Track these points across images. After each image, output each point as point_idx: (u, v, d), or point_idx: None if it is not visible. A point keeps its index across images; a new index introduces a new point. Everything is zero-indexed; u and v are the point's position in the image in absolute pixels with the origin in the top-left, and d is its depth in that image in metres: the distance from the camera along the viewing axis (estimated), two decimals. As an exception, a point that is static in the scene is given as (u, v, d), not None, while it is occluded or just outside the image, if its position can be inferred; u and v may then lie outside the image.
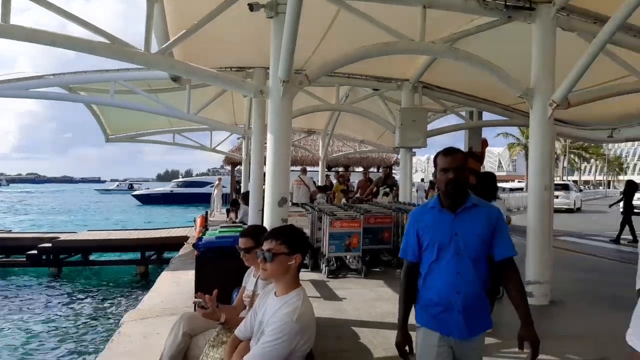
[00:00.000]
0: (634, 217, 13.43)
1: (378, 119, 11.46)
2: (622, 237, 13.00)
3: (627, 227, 13.16)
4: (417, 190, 20.22)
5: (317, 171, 19.63)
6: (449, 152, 2.46)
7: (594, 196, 49.66)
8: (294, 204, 11.33)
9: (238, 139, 20.28)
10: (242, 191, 14.67)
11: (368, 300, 6.27)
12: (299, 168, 16.02)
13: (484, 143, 14.52)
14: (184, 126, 16.15)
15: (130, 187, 78.76)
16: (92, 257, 14.89)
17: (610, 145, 78.73)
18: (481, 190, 5.34)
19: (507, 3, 5.93)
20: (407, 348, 2.54)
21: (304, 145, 20.69)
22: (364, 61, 8.89)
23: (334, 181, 16.23)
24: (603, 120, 9.83)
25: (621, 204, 13.87)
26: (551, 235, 6.22)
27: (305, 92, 10.60)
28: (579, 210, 27.67)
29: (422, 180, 27.01)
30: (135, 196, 53.99)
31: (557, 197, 25.17)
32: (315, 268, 8.19)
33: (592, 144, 65.26)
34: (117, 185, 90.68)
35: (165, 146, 18.98)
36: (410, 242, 2.56)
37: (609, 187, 64.49)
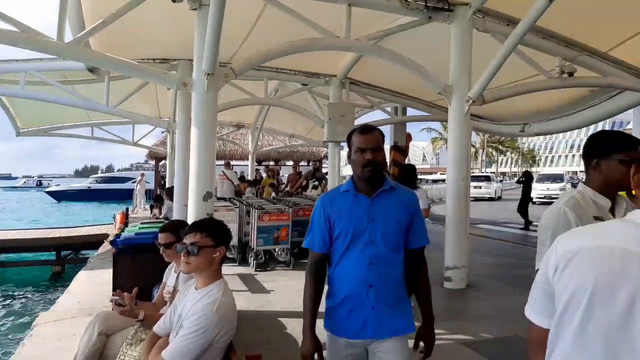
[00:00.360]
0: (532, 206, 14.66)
1: (307, 114, 11.54)
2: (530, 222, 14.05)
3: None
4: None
5: (247, 165, 19.45)
6: (366, 130, 2.20)
7: (510, 186, 53.24)
8: (219, 199, 11.18)
9: (162, 132, 19.59)
10: (167, 186, 14.21)
11: (296, 291, 6.32)
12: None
13: (408, 137, 15.08)
14: (104, 119, 15.36)
15: (39, 184, 73.36)
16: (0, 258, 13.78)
17: (524, 140, 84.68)
18: (402, 181, 5.58)
19: (427, 4, 6.19)
20: (316, 357, 2.20)
21: (232, 139, 20.38)
22: (293, 56, 8.94)
23: (264, 175, 16.18)
24: (516, 116, 10.56)
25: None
26: (468, 223, 6.60)
27: (233, 86, 10.45)
28: (499, 198, 29.59)
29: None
30: (49, 193, 50.48)
31: (480, 187, 27.74)
32: (244, 262, 8.14)
33: (508, 139, 69.95)
34: (24, 182, 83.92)
35: (85, 141, 18.14)
36: (319, 230, 2.23)
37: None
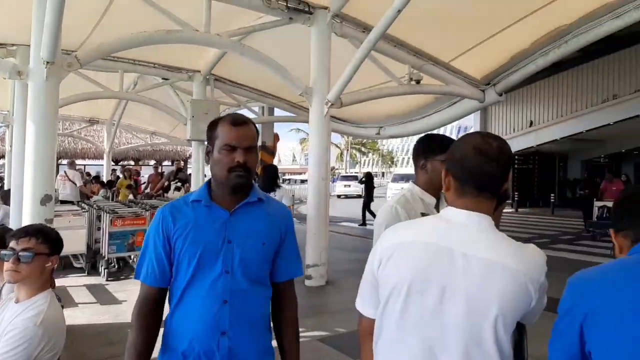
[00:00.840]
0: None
1: (168, 110, 10.96)
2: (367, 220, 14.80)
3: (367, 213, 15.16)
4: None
5: (103, 165, 17.90)
6: (238, 122, 1.64)
7: (378, 184, 57.02)
8: (62, 202, 10.11)
9: (0, 127, 17.12)
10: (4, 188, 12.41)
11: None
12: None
13: (276, 137, 15.21)
14: None
15: None
16: None
17: (384, 142, 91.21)
18: (263, 182, 5.58)
19: (288, 4, 6.25)
20: None
21: (85, 136, 18.58)
22: (154, 48, 8.42)
23: (121, 176, 15.00)
24: (372, 119, 11.25)
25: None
26: (327, 221, 6.82)
27: (82, 77, 9.52)
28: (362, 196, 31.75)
29: None
30: None
31: (349, 186, 30.75)
32: (94, 271, 7.42)
33: (370, 141, 74.63)
34: None
35: None
36: (155, 254, 1.65)
37: (383, 177, 74.54)
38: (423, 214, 1.98)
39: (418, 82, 7.64)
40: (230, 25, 7.13)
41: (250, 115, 12.78)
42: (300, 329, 4.60)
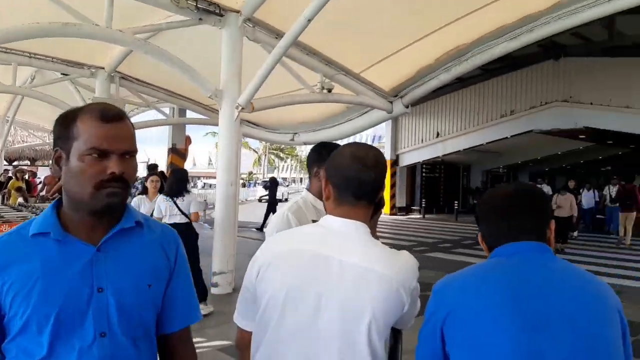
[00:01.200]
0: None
1: (67, 108, 10.19)
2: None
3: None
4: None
5: (-7, 165, 16.28)
6: (112, 116, 1.17)
7: (295, 190, 57.14)
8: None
9: None
10: None
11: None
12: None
13: (188, 140, 14.77)
14: None
15: None
16: None
17: (302, 148, 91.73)
18: (170, 185, 5.38)
19: (198, 5, 6.09)
20: None
21: (-28, 132, 16.78)
22: (53, 41, 7.82)
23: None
24: (287, 125, 11.29)
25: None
26: (236, 227, 6.71)
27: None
28: (286, 200, 31.79)
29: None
30: None
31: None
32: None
33: (288, 146, 74.82)
34: None
35: None
36: None
37: (301, 183, 74.89)
38: (315, 221, 2.00)
39: (330, 90, 7.79)
40: (139, 22, 6.83)
41: (160, 117, 12.30)
42: (201, 339, 4.44)
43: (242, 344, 1.41)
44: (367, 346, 1.21)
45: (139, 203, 5.74)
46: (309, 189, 2.15)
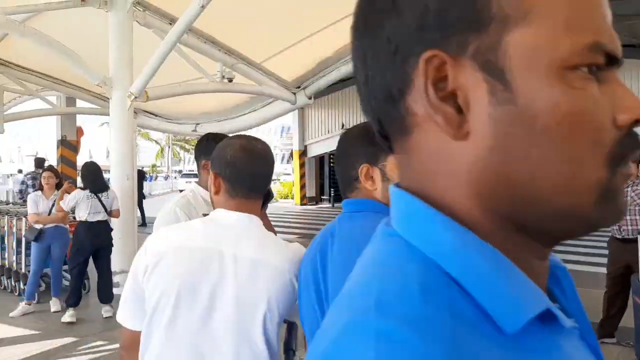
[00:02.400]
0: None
1: None
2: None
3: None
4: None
5: None
6: None
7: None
8: None
9: None
10: None
11: None
12: None
13: (80, 131, 13.74)
14: None
15: None
16: None
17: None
18: (87, 181, 5.07)
19: (80, -14, 5.66)
20: None
21: None
22: None
23: None
24: (188, 115, 10.90)
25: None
26: (135, 223, 6.40)
27: None
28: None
29: (21, 171, 20.46)
30: None
31: (190, 182, 29.77)
32: None
33: (193, 138, 72.26)
34: None
35: None
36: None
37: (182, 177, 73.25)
38: (206, 215, 1.97)
39: (230, 80, 7.64)
40: (13, 1, 6.18)
41: (45, 106, 11.27)
42: (103, 342, 4.24)
43: (131, 344, 1.33)
44: (262, 338, 1.23)
45: (36, 200, 5.27)
46: (198, 182, 2.11)
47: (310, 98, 8.89)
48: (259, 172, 1.34)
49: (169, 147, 59.44)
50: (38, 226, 5.25)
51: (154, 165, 55.05)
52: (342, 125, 22.02)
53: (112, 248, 5.46)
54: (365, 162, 1.18)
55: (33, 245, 5.31)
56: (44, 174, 5.55)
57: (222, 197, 1.34)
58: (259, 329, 1.23)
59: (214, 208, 1.39)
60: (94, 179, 5.15)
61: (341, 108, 22.07)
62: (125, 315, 1.33)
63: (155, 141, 53.11)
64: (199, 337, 1.24)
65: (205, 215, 1.98)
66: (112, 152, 6.23)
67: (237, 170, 1.31)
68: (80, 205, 5.02)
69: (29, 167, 25.01)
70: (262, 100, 9.59)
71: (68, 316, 4.93)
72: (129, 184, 6.18)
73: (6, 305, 5.55)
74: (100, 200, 5.08)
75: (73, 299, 4.99)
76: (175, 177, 46.80)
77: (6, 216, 6.18)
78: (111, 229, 5.40)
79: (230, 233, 1.28)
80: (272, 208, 19.95)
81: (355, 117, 21.42)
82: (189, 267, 1.25)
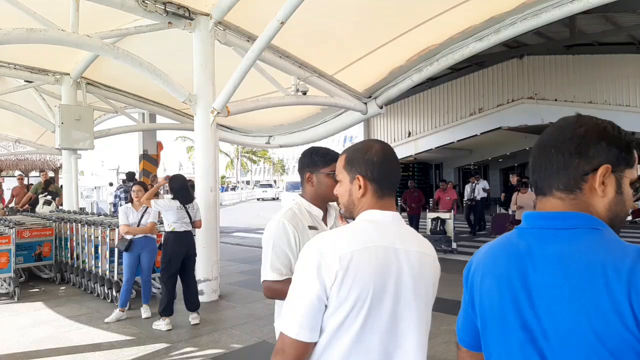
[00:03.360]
0: None
1: (33, 116, 9.91)
2: None
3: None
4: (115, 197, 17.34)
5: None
6: None
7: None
8: None
9: None
10: None
11: (21, 328, 5.30)
12: None
13: (159, 146, 14.51)
14: None
15: None
16: None
17: (274, 151, 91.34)
18: (176, 194, 5.33)
19: (167, 9, 5.99)
20: None
21: None
22: (14, 47, 7.55)
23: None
24: (262, 128, 11.23)
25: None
26: (218, 233, 6.63)
27: None
28: (278, 199, 36.27)
29: (112, 184, 23.30)
30: None
31: (266, 191, 40.88)
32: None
33: (260, 149, 74.43)
34: None
35: None
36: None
37: (275, 186, 74.71)
38: (311, 227, 2.00)
39: (304, 93, 7.78)
40: (106, 26, 6.67)
41: (129, 123, 12.03)
42: (193, 348, 4.38)
43: (301, 357, 1.27)
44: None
45: (127, 212, 5.60)
46: (302, 195, 2.13)
47: (381, 107, 8.87)
48: (398, 172, 1.44)
49: (238, 158, 61.47)
50: (128, 237, 5.56)
51: (223, 177, 57.01)
52: (409, 134, 21.70)
53: (196, 257, 5.66)
54: (606, 163, 1.00)
55: (124, 255, 5.62)
56: (134, 188, 5.83)
57: (370, 198, 1.39)
58: (430, 317, 1.38)
59: (353, 211, 1.42)
60: (184, 191, 5.40)
61: (407, 116, 21.74)
62: (304, 328, 1.24)
63: (225, 153, 55.02)
64: (386, 336, 1.28)
65: (311, 227, 2.00)
66: (197, 167, 6.52)
67: (384, 172, 1.39)
68: (169, 214, 5.28)
69: (111, 179, 26.91)
70: (333, 112, 9.68)
71: (164, 324, 5.17)
72: (213, 195, 6.43)
73: (100, 311, 5.93)
74: (187, 212, 5.32)
75: (169, 310, 5.21)
76: (242, 188, 49.11)
77: (100, 227, 6.62)
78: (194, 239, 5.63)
79: (393, 230, 1.36)
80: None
81: (421, 124, 21.03)
82: (377, 267, 1.27)
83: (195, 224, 5.52)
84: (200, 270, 6.28)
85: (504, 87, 17.52)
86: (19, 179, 12.69)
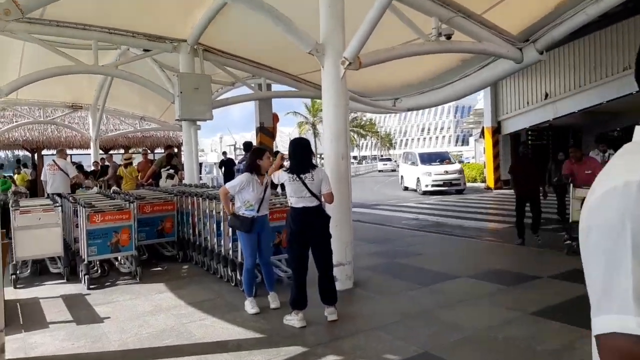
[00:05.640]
0: None
1: (152, 86, 9.65)
2: None
3: None
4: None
5: (90, 154, 16.62)
6: None
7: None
8: (50, 195, 8.80)
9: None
10: None
11: (140, 316, 4.74)
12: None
13: (275, 118, 13.91)
14: None
15: None
16: None
17: (382, 124, 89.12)
18: (296, 161, 4.37)
19: None
20: None
21: (69, 123, 17.22)
22: (132, 16, 7.09)
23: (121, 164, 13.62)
24: (387, 90, 9.92)
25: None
26: (350, 210, 5.57)
27: (59, 53, 8.25)
28: (395, 171, 36.33)
29: (225, 153, 22.26)
30: None
31: (386, 164, 47.46)
32: (74, 277, 6.20)
33: (368, 123, 72.81)
34: None
35: None
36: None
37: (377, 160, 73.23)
38: None
39: (449, 37, 6.34)
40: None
41: (248, 92, 11.44)
42: (335, 357, 3.15)
43: None
44: None
45: (251, 182, 4.64)
46: None
47: (541, 53, 7.06)
48: None
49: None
50: (249, 213, 4.63)
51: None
52: (546, 95, 18.96)
53: (330, 239, 4.54)
54: None
55: (244, 236, 4.70)
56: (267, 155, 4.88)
57: None
58: None
59: None
60: (302, 158, 4.34)
61: (543, 74, 18.99)
62: None
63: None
64: None
65: None
66: (325, 129, 5.47)
67: None
68: (287, 187, 4.33)
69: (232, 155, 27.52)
70: (475, 63, 8.06)
71: (297, 320, 4.26)
72: (344, 164, 5.35)
73: (224, 296, 5.25)
74: (304, 183, 4.25)
75: (300, 302, 4.29)
76: (353, 163, 50.48)
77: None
78: (327, 217, 4.47)
79: None
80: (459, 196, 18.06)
81: (562, 84, 18.23)
82: None
83: (324, 197, 4.40)
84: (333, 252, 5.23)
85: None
86: (143, 154, 12.84)
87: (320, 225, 4.36)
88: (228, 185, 4.71)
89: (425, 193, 18.49)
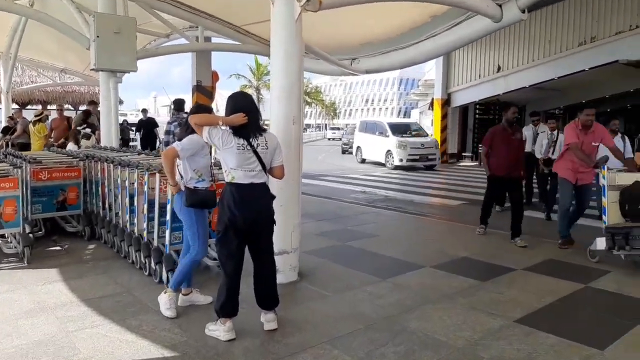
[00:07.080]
0: None
1: (65, 29, 8.02)
2: None
3: None
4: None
5: (0, 108, 14.49)
6: None
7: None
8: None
9: None
10: None
11: (13, 318, 3.50)
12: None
13: (215, 76, 12.47)
14: None
15: None
16: None
17: (327, 92, 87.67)
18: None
19: None
20: None
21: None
22: None
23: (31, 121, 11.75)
24: (344, 48, 8.76)
25: None
26: (300, 186, 4.51)
27: None
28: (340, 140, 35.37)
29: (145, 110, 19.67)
30: None
31: (335, 133, 51.02)
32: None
33: (313, 90, 71.26)
34: None
35: None
36: None
37: (326, 129, 72.13)
38: None
39: (423, -17, 5.30)
40: None
41: (183, 42, 9.94)
42: None
43: None
44: None
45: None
46: None
47: (523, 11, 6.18)
48: None
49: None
50: (202, 185, 3.51)
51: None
52: (499, 68, 18.58)
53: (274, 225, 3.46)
54: None
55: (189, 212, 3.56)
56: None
57: None
58: None
59: None
60: (253, 119, 3.20)
61: (497, 47, 18.55)
62: None
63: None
64: None
65: None
66: (273, 84, 4.28)
67: None
68: (226, 154, 3.13)
69: (166, 116, 25.46)
70: (446, 21, 7.07)
71: (223, 331, 3.13)
72: (295, 129, 4.24)
73: (132, 291, 4.06)
74: (255, 152, 3.15)
75: (229, 308, 3.20)
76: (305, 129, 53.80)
77: (136, 169, 4.66)
78: (272, 197, 3.34)
79: None
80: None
81: (515, 57, 17.87)
82: None
83: (273, 172, 3.38)
84: (276, 240, 4.12)
85: (626, 10, 13.98)
86: (58, 109, 11.03)
87: (267, 208, 3.26)
88: (178, 145, 3.43)
89: (397, 168, 17.06)
